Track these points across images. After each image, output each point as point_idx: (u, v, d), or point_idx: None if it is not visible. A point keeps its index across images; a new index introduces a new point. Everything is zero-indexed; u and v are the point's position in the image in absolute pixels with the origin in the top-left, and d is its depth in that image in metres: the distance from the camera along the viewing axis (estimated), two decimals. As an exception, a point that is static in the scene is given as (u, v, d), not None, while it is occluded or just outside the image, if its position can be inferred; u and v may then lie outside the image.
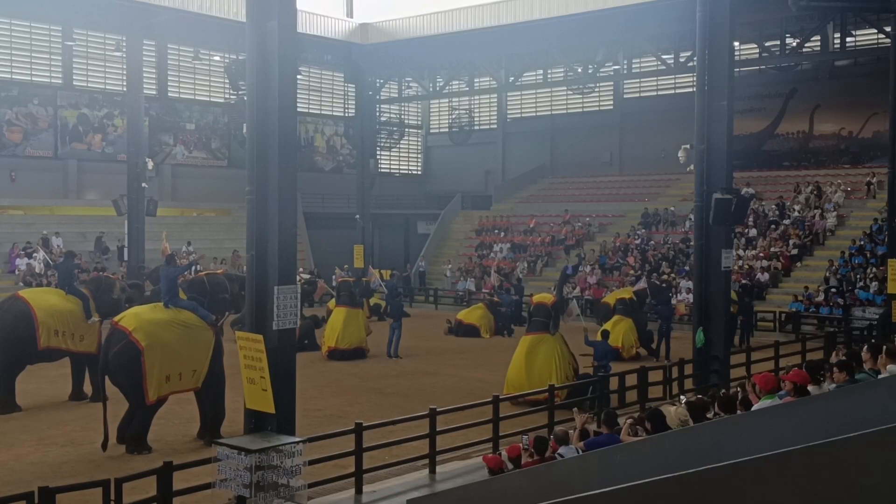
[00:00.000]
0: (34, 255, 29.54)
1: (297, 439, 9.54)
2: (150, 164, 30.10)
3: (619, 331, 21.15)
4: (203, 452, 11.07)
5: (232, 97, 37.48)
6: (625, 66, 38.05)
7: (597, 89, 40.61)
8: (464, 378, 18.64)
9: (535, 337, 16.58)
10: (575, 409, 10.30)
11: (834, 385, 7.75)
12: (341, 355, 21.17)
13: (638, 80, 40.32)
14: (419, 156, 48.76)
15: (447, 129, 46.93)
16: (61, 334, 15.61)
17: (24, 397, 15.63)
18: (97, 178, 34.49)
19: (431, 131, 48.54)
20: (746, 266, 28.59)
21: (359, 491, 10.73)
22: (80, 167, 34.83)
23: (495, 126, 45.94)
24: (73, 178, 34.76)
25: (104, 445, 12.25)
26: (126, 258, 29.07)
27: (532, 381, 15.75)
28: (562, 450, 8.85)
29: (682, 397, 11.37)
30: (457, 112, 46.52)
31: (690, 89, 29.22)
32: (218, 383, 13.18)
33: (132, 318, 13.05)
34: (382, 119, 43.97)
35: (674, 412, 9.84)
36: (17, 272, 28.79)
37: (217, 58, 37.56)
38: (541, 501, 6.03)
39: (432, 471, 11.62)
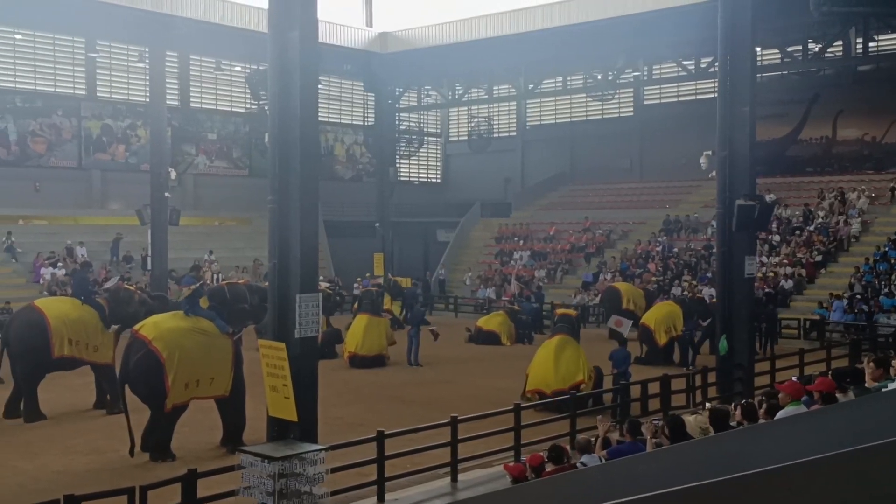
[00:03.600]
0: (58, 264, 29.82)
1: (320, 447, 9.56)
2: (173, 174, 30.33)
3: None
4: (226, 460, 11.12)
5: (253, 107, 37.70)
6: (645, 73, 37.97)
7: (616, 96, 40.51)
8: (484, 387, 18.61)
9: (562, 337, 16.96)
10: (599, 418, 10.28)
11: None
12: (361, 362, 21.23)
13: (658, 87, 40.19)
14: (438, 164, 48.84)
15: (466, 137, 46.96)
16: (75, 344, 15.62)
17: (47, 406, 15.76)
18: (121, 188, 34.80)
19: (450, 139, 48.61)
20: (770, 273, 28.38)
21: (381, 499, 10.75)
22: (104, 177, 35.18)
23: (514, 133, 45.93)
24: (96, 189, 35.10)
25: (131, 452, 12.41)
26: (150, 267, 29.28)
27: (560, 374, 16.01)
28: (584, 458, 8.82)
29: (706, 404, 11.29)
30: (476, 120, 46.56)
31: (712, 95, 29.15)
32: (238, 392, 13.24)
33: (152, 327, 13.16)
34: (402, 127, 44.09)
35: (693, 420, 9.77)
36: (41, 281, 29.06)
37: (238, 68, 37.83)
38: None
39: (454, 479, 11.61)
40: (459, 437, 11.74)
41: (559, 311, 19.27)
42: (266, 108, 31.55)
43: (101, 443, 13.53)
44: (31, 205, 32.81)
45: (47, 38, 33.52)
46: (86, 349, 15.76)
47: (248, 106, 38.60)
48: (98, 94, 35.12)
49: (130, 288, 16.97)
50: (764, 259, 28.83)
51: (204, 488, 9.36)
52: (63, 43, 34.03)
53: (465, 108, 45.60)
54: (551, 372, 16.20)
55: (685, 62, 35.24)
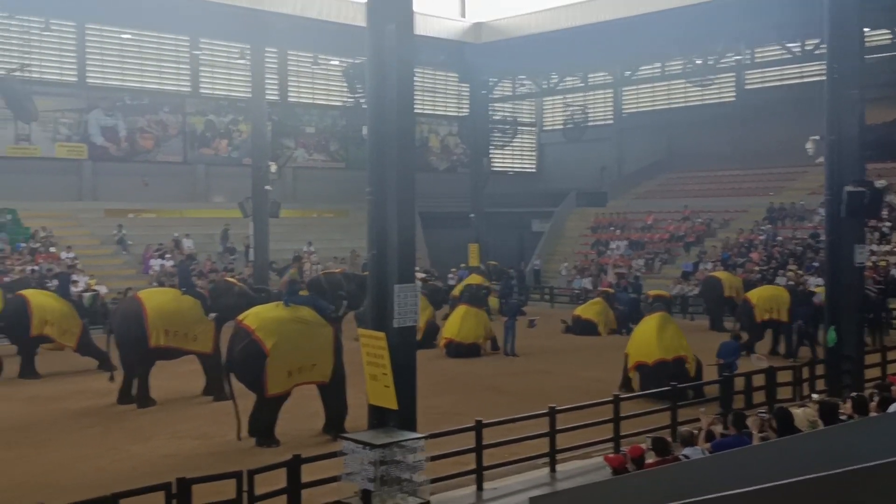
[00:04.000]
0: (166, 255, 30.96)
1: (419, 435, 9.67)
2: (273, 168, 31.05)
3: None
4: (329, 446, 11.37)
5: (349, 100, 38.24)
6: (747, 56, 36.81)
7: (717, 81, 39.45)
8: (580, 377, 18.48)
9: (663, 314, 17.15)
10: (702, 410, 10.11)
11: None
12: (457, 349, 21.37)
13: (761, 70, 38.96)
14: (533, 153, 48.62)
15: (561, 126, 46.56)
16: (172, 334, 16.04)
17: (157, 393, 16.40)
18: (223, 181, 35.88)
19: (545, 128, 48.29)
20: (881, 262, 27.22)
21: (479, 488, 10.81)
22: (208, 171, 36.32)
23: (611, 121, 45.30)
24: (201, 182, 36.27)
25: (238, 436, 12.84)
26: (252, 258, 30.11)
27: (663, 345, 16.06)
28: (687, 451, 8.68)
29: (813, 395, 10.96)
30: (571, 108, 46.11)
31: (817, 78, 28.08)
32: (338, 379, 13.50)
33: (254, 317, 13.56)
34: (496, 118, 44.02)
35: (802, 414, 9.50)
36: (150, 272, 30.21)
37: (335, 62, 38.43)
38: (666, 502, 5.92)
39: (552, 469, 11.59)
40: (558, 428, 11.70)
41: (652, 292, 19.64)
42: (362, 101, 32.02)
43: (208, 428, 14.00)
44: (141, 199, 34.16)
45: (153, 38, 34.75)
46: (184, 339, 16.20)
47: (344, 99, 39.18)
48: (201, 91, 36.25)
49: (231, 280, 17.42)
50: (874, 247, 27.67)
51: (307, 474, 9.58)
52: (168, 42, 35.22)
53: (560, 96, 45.19)
54: (654, 343, 16.19)
55: (789, 45, 34.00)
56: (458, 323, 21.88)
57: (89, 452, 12.70)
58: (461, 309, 22.35)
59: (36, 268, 27.25)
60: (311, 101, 39.53)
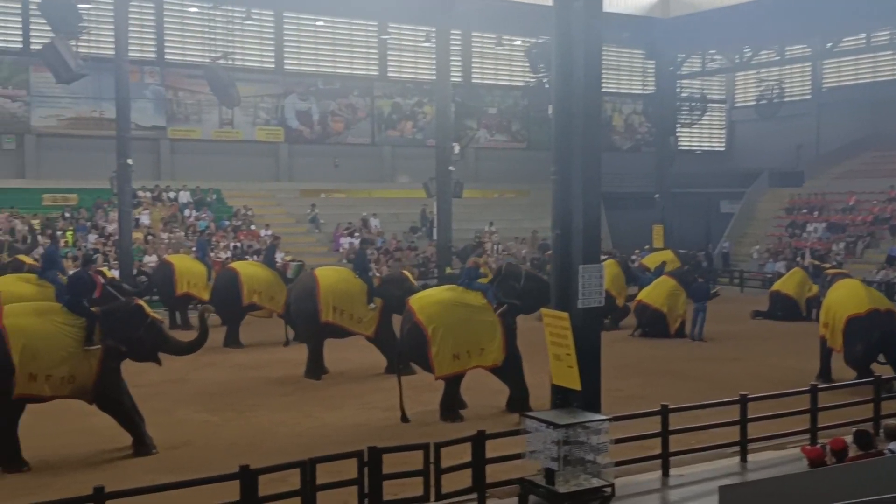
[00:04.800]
0: (355, 234, 32.19)
1: (603, 417, 9.59)
2: (456, 148, 31.50)
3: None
4: (512, 423, 11.48)
5: (532, 80, 38.14)
6: (965, 23, 33.64)
7: (930, 51, 36.35)
8: (771, 365, 17.69)
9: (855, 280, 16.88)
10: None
11: None
12: (642, 311, 21.72)
13: (982, 38, 35.51)
14: (722, 131, 46.76)
15: (754, 103, 44.41)
16: (340, 312, 16.63)
17: (349, 364, 17.21)
18: (408, 162, 36.83)
19: (736, 105, 46.26)
20: None
21: (665, 474, 10.59)
22: (394, 153, 37.40)
23: (809, 97, 42.79)
24: (387, 164, 37.42)
25: (403, 418, 13.07)
26: (435, 238, 30.78)
27: (874, 297, 15.74)
28: (892, 445, 8.16)
29: None
30: (765, 84, 43.87)
31: None
32: (513, 364, 13.46)
33: (418, 299, 13.95)
34: (683, 95, 42.56)
35: None
36: (340, 250, 31.52)
37: (518, 42, 38.42)
38: (868, 497, 5.57)
39: (743, 459, 11.18)
40: (749, 416, 11.25)
41: (830, 270, 19.04)
42: (545, 80, 31.81)
43: (395, 400, 14.33)
44: (332, 179, 35.67)
45: (344, 24, 36.07)
46: (350, 319, 16.75)
47: (526, 79, 39.12)
48: (389, 75, 37.31)
49: (406, 274, 17.73)
50: None
51: (491, 449, 9.72)
52: (358, 27, 36.46)
53: (754, 71, 43.11)
54: (863, 296, 15.59)
55: None
56: (653, 288, 21.92)
57: (287, 419, 13.47)
58: (664, 278, 22.26)
59: (238, 244, 29.09)
60: (493, 81, 39.80)
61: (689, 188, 40.76)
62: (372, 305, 16.78)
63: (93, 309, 11.57)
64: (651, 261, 27.75)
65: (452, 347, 13.18)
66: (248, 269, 21.08)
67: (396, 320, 16.31)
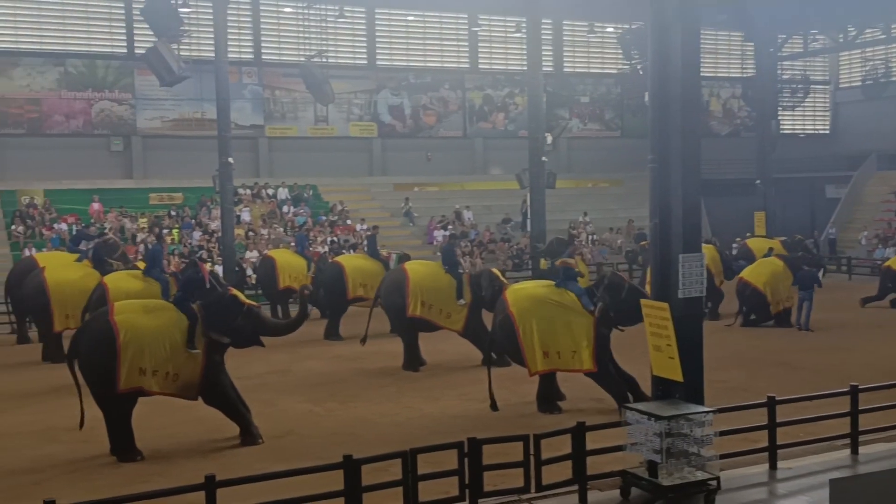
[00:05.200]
0: (448, 227, 32.34)
1: (708, 409, 9.39)
2: (549, 139, 31.26)
3: None
4: (611, 415, 11.36)
5: (625, 67, 37.56)
6: None
7: None
8: (884, 355, 16.98)
9: None
10: None
11: None
12: (743, 288, 21.17)
13: None
14: (826, 114, 45.08)
15: (859, 83, 42.65)
16: (428, 307, 16.70)
17: (445, 356, 17.31)
18: (500, 154, 36.79)
19: (841, 86, 44.54)
20: None
21: (773, 467, 10.30)
22: (486, 145, 37.42)
23: (919, 75, 40.87)
24: (479, 156, 37.46)
25: (492, 406, 13.03)
26: (528, 229, 30.64)
27: None
28: None
29: None
30: (871, 63, 42.07)
31: None
32: (603, 370, 13.15)
33: (514, 291, 13.86)
34: (784, 77, 41.21)
35: None
36: (434, 243, 31.73)
37: (610, 29, 37.91)
38: None
39: (854, 451, 10.78)
40: (860, 408, 10.85)
41: None
42: (638, 67, 31.22)
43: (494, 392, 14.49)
44: (424, 173, 35.95)
45: (435, 18, 36.26)
46: (439, 314, 16.79)
47: (619, 67, 38.55)
48: (479, 67, 37.33)
49: (496, 272, 17.60)
50: None
51: (591, 441, 9.64)
52: (448, 20, 36.60)
53: (859, 50, 41.41)
54: None
55: None
56: (757, 266, 21.59)
57: (387, 409, 13.65)
58: (772, 259, 21.82)
59: (335, 239, 29.61)
60: (585, 70, 39.39)
61: (793, 173, 39.48)
62: (461, 301, 16.79)
63: (194, 305, 11.91)
64: (756, 247, 26.92)
65: (543, 344, 13.04)
66: (353, 263, 21.43)
67: (487, 317, 16.39)
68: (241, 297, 12.24)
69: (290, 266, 23.11)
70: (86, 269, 18.71)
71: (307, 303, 12.44)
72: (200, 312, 11.75)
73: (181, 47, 24.52)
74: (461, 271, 17.72)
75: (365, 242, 29.38)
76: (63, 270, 18.71)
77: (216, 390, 11.79)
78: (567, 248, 20.84)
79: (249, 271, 26.70)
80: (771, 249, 24.52)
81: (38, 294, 18.12)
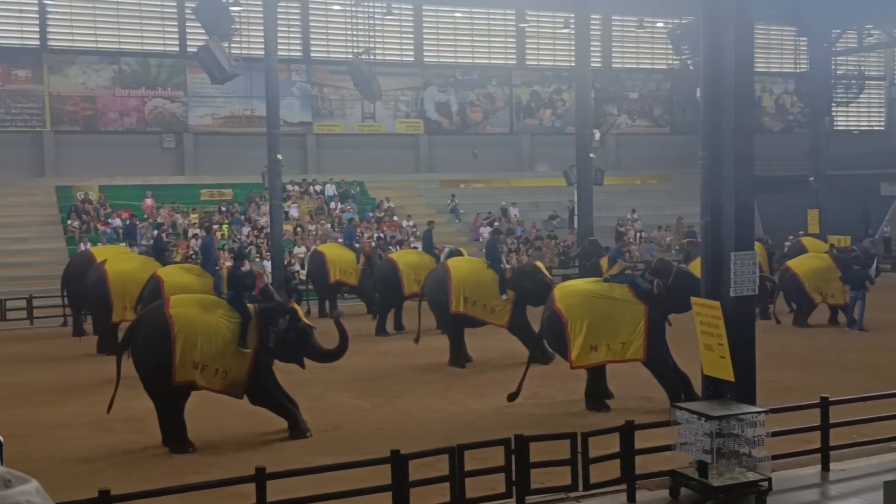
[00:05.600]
0: (494, 224, 32.29)
1: (759, 409, 9.27)
2: (597, 135, 31.06)
3: None
4: (660, 414, 11.26)
5: (675, 62, 37.10)
6: None
7: None
8: (943, 356, 16.60)
9: None
10: None
11: None
12: (790, 280, 21.15)
13: None
14: (881, 110, 44.12)
15: (917, 78, 41.69)
16: (472, 303, 16.68)
17: (493, 353, 17.30)
18: (547, 150, 36.63)
19: (897, 81, 43.58)
20: None
21: (825, 468, 10.13)
22: (533, 141, 37.29)
23: (980, 69, 39.79)
24: (526, 152, 37.34)
25: (511, 397, 12.90)
26: (576, 226, 30.47)
27: None
28: None
29: None
30: (929, 57, 41.10)
31: None
32: (659, 359, 13.04)
33: (562, 288, 13.90)
34: (838, 72, 40.37)
35: None
36: (480, 240, 31.68)
37: (660, 24, 37.50)
38: None
39: (910, 454, 10.57)
40: (917, 410, 10.64)
41: None
42: (689, 62, 30.83)
43: (539, 389, 14.41)
44: (471, 169, 35.93)
45: (482, 14, 36.21)
46: (482, 309, 16.74)
47: (669, 62, 38.09)
48: (527, 63, 37.19)
49: (539, 266, 17.53)
50: None
51: (640, 440, 9.56)
52: (496, 16, 36.52)
53: (916, 44, 40.42)
54: None
55: None
56: (805, 258, 21.70)
57: (433, 405, 13.70)
58: (823, 255, 21.75)
59: (381, 235, 29.76)
60: (634, 65, 39.04)
61: (846, 170, 38.65)
62: (504, 296, 16.71)
63: (250, 306, 12.04)
64: (810, 246, 26.46)
65: (591, 338, 12.98)
66: (407, 259, 21.53)
67: (531, 312, 16.35)
68: (300, 313, 12.34)
69: (341, 259, 23.35)
70: (144, 261, 19.09)
71: (345, 331, 12.41)
72: (256, 313, 11.89)
73: (232, 45, 24.80)
74: (505, 266, 17.67)
75: (411, 238, 29.55)
76: (122, 262, 19.14)
77: (262, 392, 11.89)
78: (601, 250, 20.82)
79: (297, 266, 26.95)
80: (832, 246, 24.36)
81: (99, 285, 18.54)
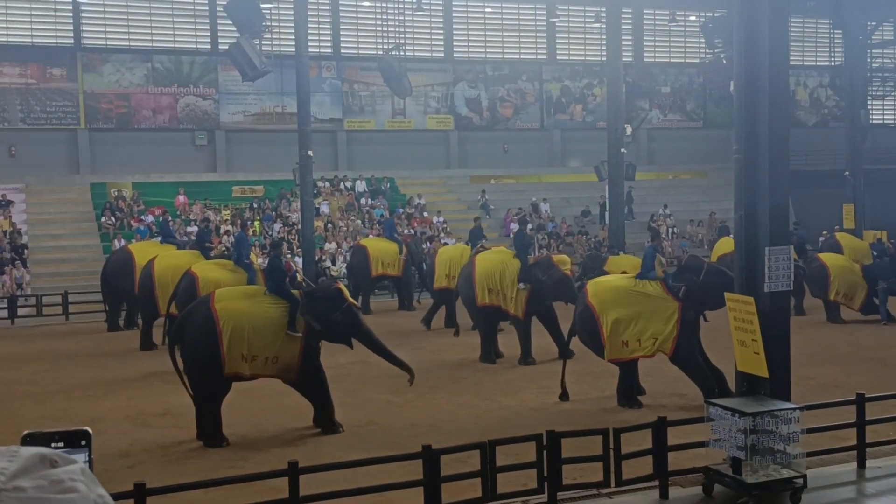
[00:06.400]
0: (526, 219, 32.21)
1: (794, 406, 9.18)
2: (628, 130, 30.88)
3: None
4: (693, 411, 11.19)
5: (707, 56, 36.75)
6: None
7: None
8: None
9: None
10: None
11: None
12: (817, 271, 21.24)
13: None
14: (920, 102, 43.40)
15: (956, 69, 40.85)
16: (495, 293, 16.70)
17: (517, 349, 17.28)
18: (578, 146, 36.44)
19: (935, 74, 42.75)
20: None
21: (861, 465, 10.01)
22: (564, 136, 37.11)
23: None
24: (556, 148, 37.18)
25: (561, 397, 13.06)
26: (606, 222, 30.32)
27: None
28: None
29: None
30: (968, 48, 40.27)
31: None
32: (685, 356, 12.94)
33: (595, 283, 13.86)
34: (874, 65, 39.75)
35: None
36: (510, 236, 31.64)
37: (693, 17, 37.15)
38: None
39: (948, 452, 10.41)
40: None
41: None
42: (722, 56, 30.52)
43: (570, 386, 14.34)
44: (501, 165, 35.86)
45: (512, 9, 36.10)
46: (504, 299, 16.71)
47: (702, 56, 37.75)
48: (557, 58, 37.03)
49: (557, 259, 17.38)
50: None
51: (672, 436, 9.51)
52: (526, 11, 36.39)
53: (954, 36, 39.67)
54: None
55: None
56: (836, 255, 21.89)
57: (465, 401, 13.72)
58: (854, 265, 21.69)
59: (412, 231, 29.81)
60: (666, 59, 38.71)
61: (883, 164, 38.07)
62: (521, 286, 16.64)
63: (295, 291, 12.16)
64: (845, 243, 26.09)
65: (624, 334, 12.95)
66: (446, 255, 21.41)
67: (558, 307, 16.31)
68: (346, 293, 12.45)
69: (383, 252, 23.49)
70: (188, 256, 19.27)
71: (405, 363, 12.52)
72: (302, 298, 11.99)
73: (263, 43, 24.96)
74: (529, 255, 17.63)
75: (441, 234, 29.55)
76: (168, 257, 19.32)
77: (312, 374, 12.00)
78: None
79: (328, 262, 27.09)
80: (879, 240, 24.36)
81: (145, 279, 18.78)
